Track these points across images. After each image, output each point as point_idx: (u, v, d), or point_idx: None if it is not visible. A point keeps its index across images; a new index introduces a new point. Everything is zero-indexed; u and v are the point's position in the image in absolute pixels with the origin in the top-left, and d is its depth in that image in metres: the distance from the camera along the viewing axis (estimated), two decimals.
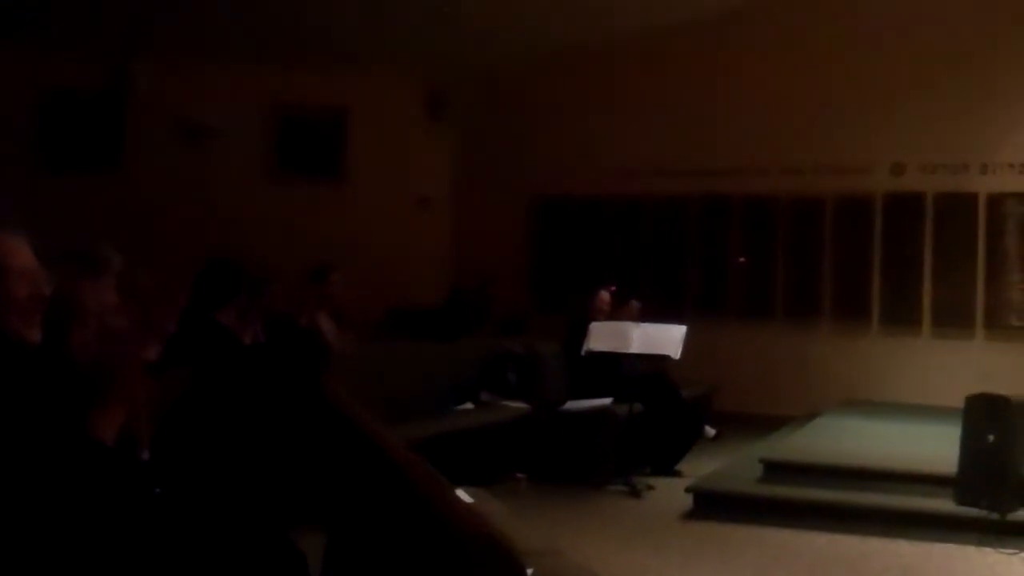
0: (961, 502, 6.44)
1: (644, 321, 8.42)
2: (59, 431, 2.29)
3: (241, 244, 8.64)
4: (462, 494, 4.81)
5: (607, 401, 8.22)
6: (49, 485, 2.21)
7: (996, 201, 10.96)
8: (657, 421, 8.38)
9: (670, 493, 7.62)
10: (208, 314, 5.89)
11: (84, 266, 3.03)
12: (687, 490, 7.32)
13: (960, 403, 6.76)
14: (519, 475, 7.91)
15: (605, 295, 9.03)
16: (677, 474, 8.27)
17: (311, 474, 3.91)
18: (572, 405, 8.39)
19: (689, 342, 8.11)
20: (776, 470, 7.45)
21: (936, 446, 7.33)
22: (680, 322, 8.29)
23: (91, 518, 2.24)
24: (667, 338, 8.09)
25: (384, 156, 12.15)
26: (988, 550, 6.13)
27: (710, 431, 9.72)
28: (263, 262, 6.97)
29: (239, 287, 6.00)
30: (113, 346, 2.49)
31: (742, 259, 11.71)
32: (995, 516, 6.24)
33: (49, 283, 2.52)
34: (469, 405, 8.45)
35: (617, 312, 8.96)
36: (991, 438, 6.33)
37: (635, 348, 8.06)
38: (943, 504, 6.52)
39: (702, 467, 8.17)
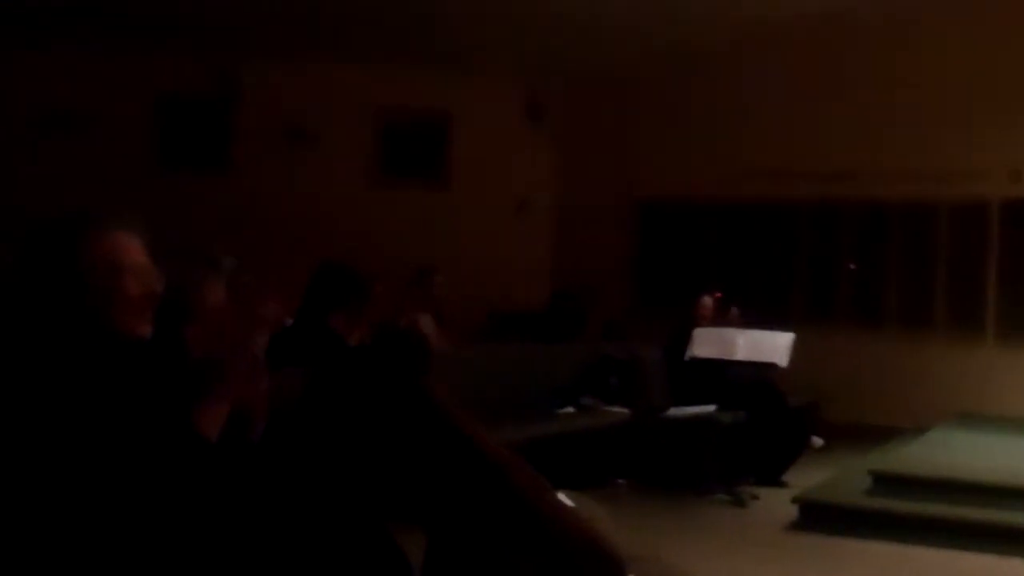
0: None
1: (746, 328, 8.27)
2: (164, 425, 2.30)
3: (344, 246, 8.71)
4: (563, 497, 4.76)
5: (711, 408, 8.09)
6: (150, 479, 2.21)
7: None
8: (762, 430, 8.21)
9: (775, 503, 7.46)
10: (320, 317, 5.97)
11: (200, 265, 3.07)
12: (793, 501, 7.16)
13: None
14: (620, 481, 7.82)
15: (708, 301, 8.89)
16: (782, 484, 8.09)
17: (413, 474, 3.89)
18: (675, 411, 8.27)
19: (797, 350, 7.95)
20: (885, 482, 7.24)
21: None
22: (787, 329, 8.12)
23: (189, 511, 2.25)
24: (774, 345, 7.93)
25: (486, 159, 12.16)
26: None
27: (817, 441, 9.51)
28: (367, 265, 7.04)
29: (350, 292, 6.08)
30: (221, 342, 2.51)
31: (853, 265, 11.45)
32: None
33: (161, 281, 2.54)
34: (570, 409, 8.39)
35: (718, 319, 8.82)
36: None
37: (741, 355, 7.93)
38: None
39: (808, 478, 7.98)
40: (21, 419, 2.23)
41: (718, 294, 9.16)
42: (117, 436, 2.21)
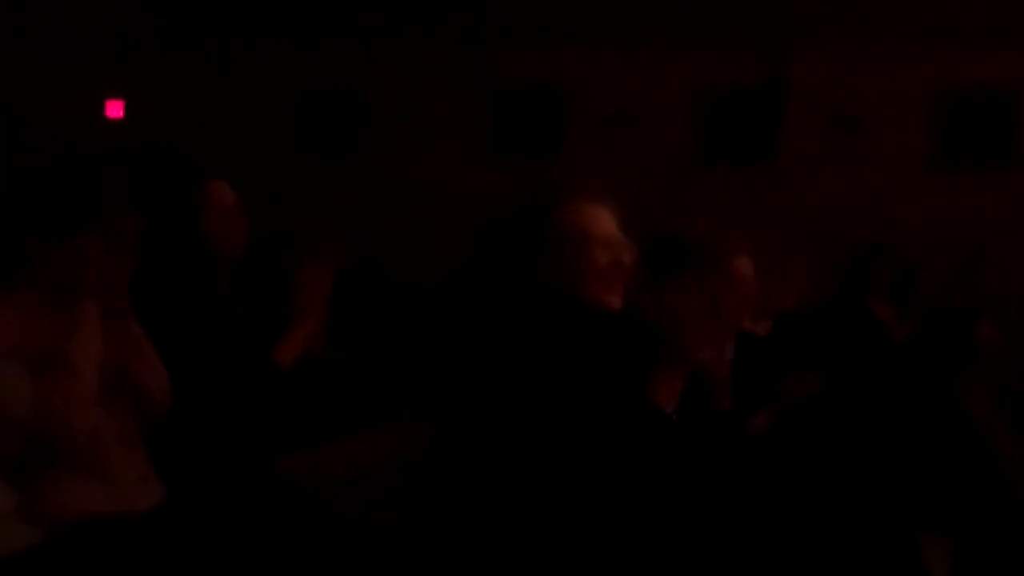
0: None
1: None
2: (621, 395, 2.32)
3: (893, 237, 8.31)
4: None
5: None
6: (609, 446, 2.24)
7: None
8: None
9: None
10: (862, 301, 5.76)
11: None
12: None
13: None
14: None
15: None
16: None
17: (937, 480, 3.62)
18: None
19: None
20: None
21: None
22: None
23: (643, 478, 2.24)
24: None
25: None
26: None
27: None
28: (916, 256, 6.63)
29: (887, 275, 5.82)
30: (682, 314, 2.48)
31: None
32: None
33: (632, 252, 2.56)
34: None
35: None
36: None
37: None
38: None
39: None
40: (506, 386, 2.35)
41: None
42: (584, 403, 2.25)
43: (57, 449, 2.72)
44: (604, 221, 2.57)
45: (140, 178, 3.90)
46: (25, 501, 2.48)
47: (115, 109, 12.34)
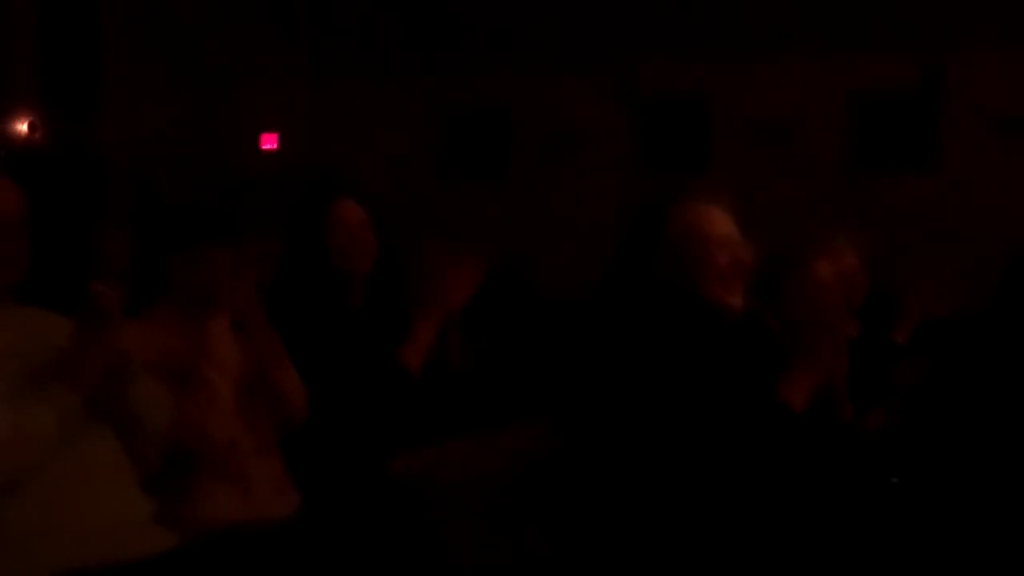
0: None
1: None
2: (750, 391, 2.31)
3: None
4: None
5: None
6: (734, 439, 2.23)
7: None
8: None
9: None
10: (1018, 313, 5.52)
11: (811, 242, 3.05)
12: None
13: None
14: None
15: None
16: None
17: None
18: None
19: None
20: None
21: None
22: None
23: (768, 472, 2.23)
24: None
25: None
26: None
27: None
28: None
29: None
30: (815, 315, 2.48)
31: None
32: None
33: (753, 252, 2.55)
34: None
35: None
36: None
37: None
38: None
39: None
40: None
41: None
42: (711, 403, 2.25)
43: (196, 459, 2.81)
44: (722, 222, 2.58)
45: (288, 202, 4.05)
46: (164, 507, 2.57)
47: (270, 141, 12.79)
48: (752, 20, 10.72)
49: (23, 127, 11.01)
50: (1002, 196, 10.46)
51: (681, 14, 10.91)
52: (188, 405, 2.78)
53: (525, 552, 2.45)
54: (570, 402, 2.50)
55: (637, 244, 2.64)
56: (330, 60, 12.00)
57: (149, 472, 2.64)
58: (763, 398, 2.35)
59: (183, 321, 2.96)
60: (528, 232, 11.49)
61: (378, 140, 12.15)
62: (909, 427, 3.05)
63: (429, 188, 12.12)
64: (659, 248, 2.53)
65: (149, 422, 2.63)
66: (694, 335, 2.42)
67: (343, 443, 3.22)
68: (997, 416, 3.85)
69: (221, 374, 2.91)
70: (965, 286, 5.53)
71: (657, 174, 11.13)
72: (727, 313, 2.48)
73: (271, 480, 2.97)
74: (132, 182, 11.13)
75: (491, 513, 2.52)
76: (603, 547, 2.31)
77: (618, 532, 2.29)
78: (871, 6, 10.31)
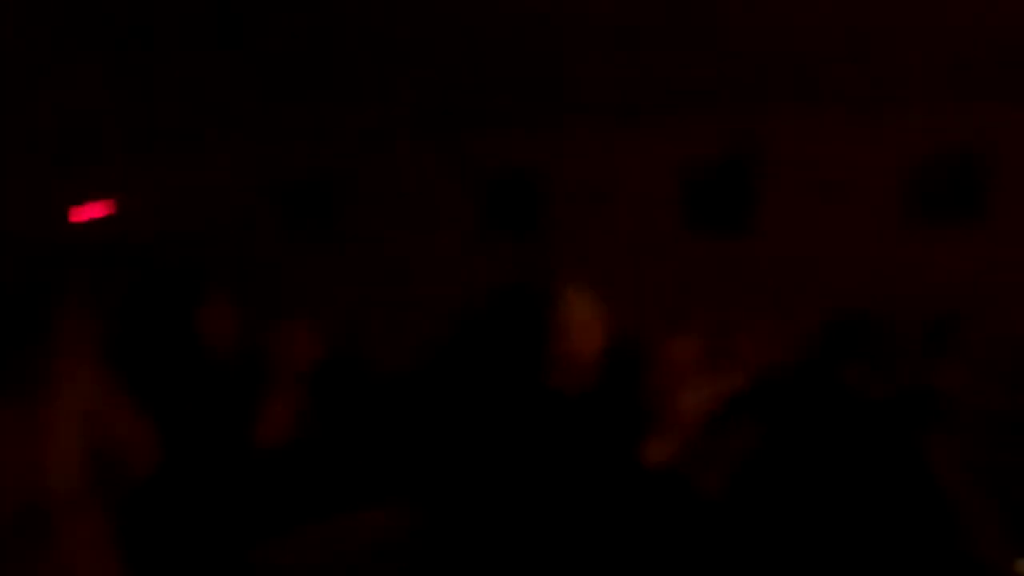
0: None
1: None
2: (610, 457, 2.46)
3: (872, 297, 8.47)
4: None
5: None
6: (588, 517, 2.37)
7: None
8: None
9: None
10: (832, 369, 5.86)
11: (670, 323, 3.21)
12: None
13: None
14: None
15: None
16: None
17: (883, 528, 3.74)
18: None
19: None
20: None
21: None
22: None
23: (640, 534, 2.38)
24: None
25: None
26: None
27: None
28: (890, 317, 6.77)
29: (862, 341, 5.92)
30: (670, 382, 2.65)
31: None
32: None
33: (602, 334, 2.70)
34: None
35: None
36: None
37: None
38: None
39: None
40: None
41: None
42: (560, 484, 2.38)
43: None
44: (583, 307, 2.69)
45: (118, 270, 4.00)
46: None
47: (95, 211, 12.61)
48: (578, 91, 11.11)
49: None
50: (816, 257, 11.06)
51: (508, 88, 11.23)
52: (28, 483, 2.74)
53: None
54: (427, 484, 2.60)
55: (485, 325, 2.73)
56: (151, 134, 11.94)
57: None
58: (618, 464, 2.49)
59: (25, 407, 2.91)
60: (363, 297, 11.58)
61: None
62: (742, 489, 3.26)
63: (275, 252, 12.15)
64: (511, 332, 2.63)
65: None
66: (541, 418, 2.53)
67: (185, 518, 3.18)
68: (817, 479, 4.16)
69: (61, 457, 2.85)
70: (783, 346, 5.90)
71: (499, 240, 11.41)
72: (575, 397, 2.61)
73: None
74: None
75: None
76: None
77: None
78: (689, 72, 10.77)
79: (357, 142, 12.02)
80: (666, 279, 10.56)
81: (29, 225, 11.51)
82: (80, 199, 12.58)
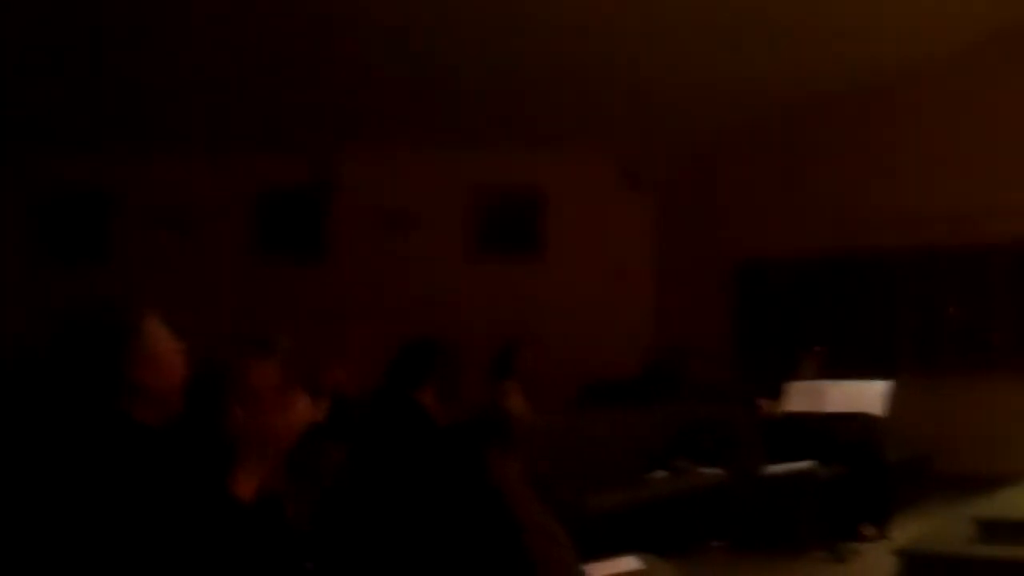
0: None
1: (838, 379, 8.13)
2: (199, 489, 2.46)
3: (442, 325, 8.88)
4: (632, 561, 4.78)
5: (808, 464, 7.97)
6: (184, 536, 2.36)
7: None
8: (861, 484, 8.04)
9: (875, 557, 7.29)
10: (407, 393, 6.11)
11: (252, 348, 3.23)
12: (894, 553, 6.98)
13: None
14: (716, 543, 7.74)
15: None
16: (883, 538, 7.90)
17: (461, 552, 3.97)
18: (771, 469, 8.17)
19: (904, 401, 7.77)
20: (993, 529, 7.00)
21: None
22: (893, 379, 7.96)
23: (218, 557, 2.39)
24: (867, 394, 7.79)
25: (581, 230, 12.29)
26: None
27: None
28: (463, 341, 7.19)
29: (433, 366, 6.21)
30: (254, 408, 2.67)
31: (952, 310, 11.17)
32: None
33: (182, 361, 2.70)
34: (664, 473, 8.34)
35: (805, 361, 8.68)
36: None
37: (832, 407, 7.80)
38: None
39: (910, 530, 7.78)
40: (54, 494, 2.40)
41: (819, 349, 9.03)
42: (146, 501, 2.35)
43: None
44: (155, 336, 2.66)
45: None
46: None
47: None
48: (162, 122, 10.86)
49: None
50: (384, 287, 11.45)
51: (82, 110, 10.77)
52: None
53: None
54: None
55: (59, 358, 2.65)
56: None
57: None
58: (208, 496, 2.49)
59: None
60: None
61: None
62: (326, 511, 3.35)
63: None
64: (83, 362, 2.57)
65: None
66: (118, 451, 2.48)
67: None
68: (397, 500, 4.35)
69: None
70: (359, 371, 6.11)
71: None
72: (155, 429, 2.59)
73: None
74: None
75: None
76: None
77: None
78: (265, 107, 10.85)
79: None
80: (241, 305, 10.51)
81: None
82: None
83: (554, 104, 10.98)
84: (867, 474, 8.10)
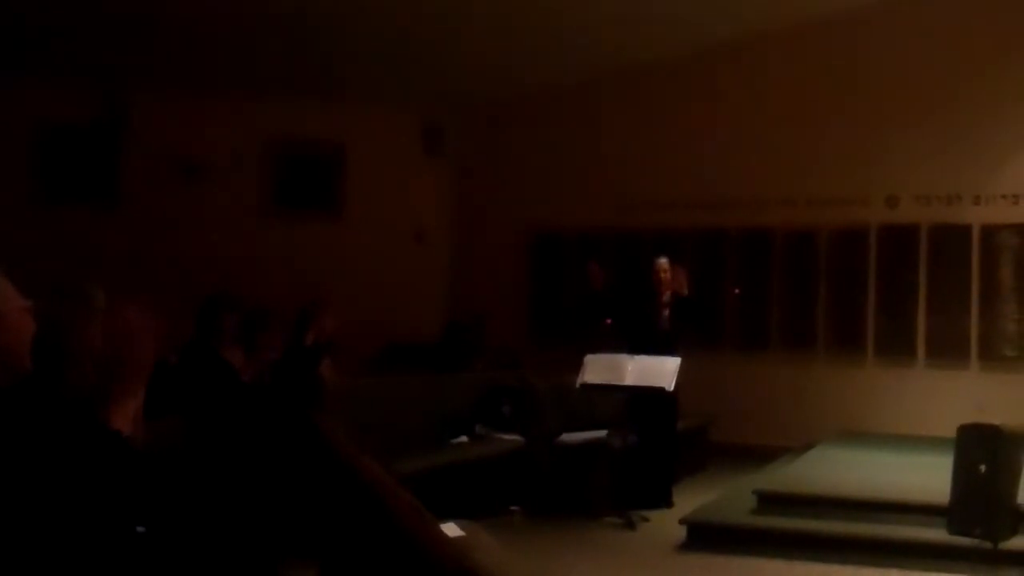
0: (954, 532, 6.40)
1: (634, 355, 8.37)
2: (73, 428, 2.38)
3: (237, 280, 8.68)
4: (453, 528, 4.84)
5: (602, 433, 8.23)
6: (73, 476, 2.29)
7: (990, 232, 11.01)
8: (651, 452, 8.35)
9: (664, 525, 7.63)
10: (212, 349, 5.97)
11: (73, 303, 3.10)
12: (681, 522, 7.33)
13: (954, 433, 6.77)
14: (514, 508, 7.91)
15: (664, 262, 9.01)
16: (671, 505, 8.25)
17: (302, 510, 3.94)
18: (567, 437, 8.39)
19: (686, 374, 8.11)
20: (770, 501, 7.46)
21: (930, 476, 7.31)
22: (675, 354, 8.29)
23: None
24: (661, 371, 8.10)
25: (381, 191, 12.21)
26: None
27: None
28: (260, 298, 7.05)
29: (236, 322, 6.09)
30: (120, 341, 2.59)
31: (737, 290, 11.72)
32: (988, 545, 6.23)
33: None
34: (463, 438, 8.46)
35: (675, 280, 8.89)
36: (983, 468, 6.32)
37: (629, 380, 8.07)
38: (937, 534, 6.50)
39: (696, 499, 8.17)
40: None
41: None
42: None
43: None
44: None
45: None
46: None
47: None
48: None
49: None
50: (178, 235, 11.05)
51: None
52: None
53: None
54: None
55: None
56: None
57: None
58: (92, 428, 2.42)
59: None
60: None
61: None
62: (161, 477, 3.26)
63: None
64: None
65: None
66: None
67: None
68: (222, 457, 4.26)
69: None
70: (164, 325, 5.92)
71: None
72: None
73: None
74: None
75: None
76: None
77: None
78: (60, 38, 10.22)
79: None
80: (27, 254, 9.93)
81: None
82: None
83: (357, 57, 10.84)
84: (658, 445, 8.41)
